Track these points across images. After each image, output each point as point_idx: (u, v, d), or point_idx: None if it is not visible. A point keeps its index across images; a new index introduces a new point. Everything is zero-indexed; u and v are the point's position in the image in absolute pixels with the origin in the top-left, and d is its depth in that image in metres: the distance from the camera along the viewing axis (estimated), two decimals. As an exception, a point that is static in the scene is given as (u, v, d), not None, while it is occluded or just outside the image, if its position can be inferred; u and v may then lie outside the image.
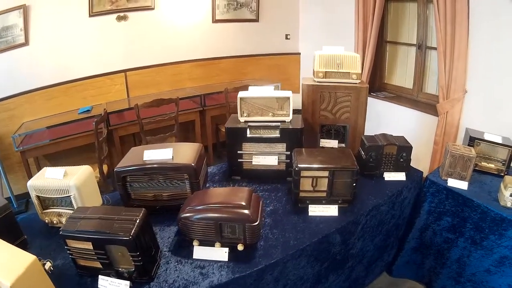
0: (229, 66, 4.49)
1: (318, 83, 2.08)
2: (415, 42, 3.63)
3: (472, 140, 2.13)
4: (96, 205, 1.57)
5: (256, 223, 1.33)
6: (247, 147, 1.93)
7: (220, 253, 1.35)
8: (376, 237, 1.99)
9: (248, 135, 1.89)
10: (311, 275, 1.65)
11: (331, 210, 1.68)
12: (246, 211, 1.33)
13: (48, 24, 3.32)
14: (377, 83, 4.12)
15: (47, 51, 3.38)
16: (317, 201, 1.70)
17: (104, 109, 3.31)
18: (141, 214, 1.18)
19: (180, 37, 4.05)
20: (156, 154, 1.57)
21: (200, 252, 1.36)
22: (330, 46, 2.15)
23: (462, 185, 1.98)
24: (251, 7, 4.37)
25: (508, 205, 1.81)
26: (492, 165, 2.15)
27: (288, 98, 1.90)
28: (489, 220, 1.82)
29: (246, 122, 1.93)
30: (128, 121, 3.49)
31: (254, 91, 1.94)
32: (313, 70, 2.10)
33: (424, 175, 2.16)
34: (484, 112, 3.00)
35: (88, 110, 3.63)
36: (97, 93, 3.74)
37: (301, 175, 1.65)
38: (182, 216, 1.35)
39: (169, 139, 3.31)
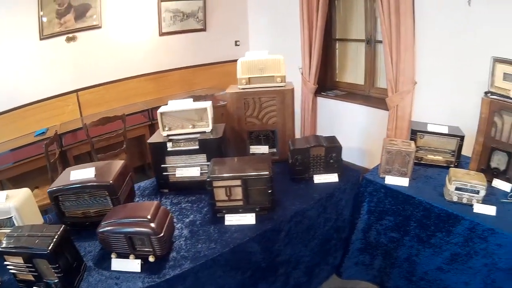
0: (180, 78, 4.47)
1: (241, 90, 2.06)
2: (364, 38, 3.63)
3: (414, 133, 2.07)
4: (37, 223, 1.65)
5: (161, 235, 1.38)
6: (170, 161, 1.92)
7: (133, 265, 1.41)
8: (310, 242, 1.95)
9: (169, 148, 1.88)
10: (234, 285, 1.62)
11: (248, 219, 1.65)
12: (151, 224, 1.38)
13: (0, 50, 3.31)
14: (329, 82, 4.11)
15: (0, 77, 3.37)
16: (234, 210, 1.67)
17: (56, 130, 3.28)
18: (59, 230, 1.29)
19: (128, 53, 4.03)
20: (81, 173, 1.65)
21: (117, 264, 1.43)
22: (254, 51, 2.14)
23: (403, 181, 1.94)
24: (197, 17, 4.36)
25: (454, 199, 1.77)
26: (439, 157, 2.10)
27: (206, 108, 1.88)
28: (434, 217, 1.78)
29: (168, 136, 1.91)
30: (80, 140, 3.48)
31: (172, 105, 1.93)
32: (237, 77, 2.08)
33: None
34: (436, 103, 2.98)
35: (43, 132, 3.61)
36: (51, 115, 3.71)
37: (214, 185, 1.62)
38: (99, 231, 1.42)
39: (120, 156, 3.28)
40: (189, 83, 4.55)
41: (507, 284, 1.61)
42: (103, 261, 1.47)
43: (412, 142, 1.95)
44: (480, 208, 1.71)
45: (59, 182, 1.66)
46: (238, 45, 4.83)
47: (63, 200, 1.64)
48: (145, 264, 1.42)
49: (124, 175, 1.78)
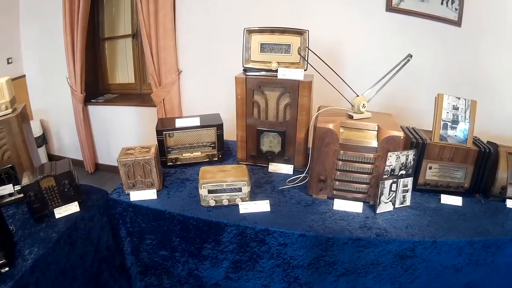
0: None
1: None
2: (131, 32, 3.35)
3: (160, 134, 1.76)
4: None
5: None
6: None
7: None
8: (73, 284, 1.53)
9: None
10: None
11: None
12: None
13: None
14: (101, 86, 3.72)
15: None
16: None
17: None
18: None
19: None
20: None
21: None
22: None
23: (150, 194, 1.66)
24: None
25: (212, 204, 1.54)
26: (198, 153, 1.84)
27: None
28: (194, 229, 1.55)
29: None
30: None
31: None
32: None
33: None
34: (205, 89, 2.87)
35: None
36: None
37: None
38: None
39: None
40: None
41: (313, 278, 1.55)
42: None
43: (153, 146, 1.66)
44: (248, 207, 1.54)
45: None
46: (11, 62, 3.69)
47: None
48: None
49: None
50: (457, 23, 2.41)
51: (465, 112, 1.69)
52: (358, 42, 2.56)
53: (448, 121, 1.67)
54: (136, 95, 3.49)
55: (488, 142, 1.80)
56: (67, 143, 3.70)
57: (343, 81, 1.55)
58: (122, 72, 3.61)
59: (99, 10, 3.38)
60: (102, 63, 3.61)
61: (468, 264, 1.65)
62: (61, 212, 1.58)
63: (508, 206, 1.79)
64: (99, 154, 3.59)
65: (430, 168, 1.67)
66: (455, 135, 1.67)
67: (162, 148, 1.73)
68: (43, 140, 3.58)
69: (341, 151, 1.49)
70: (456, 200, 1.70)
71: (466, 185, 1.72)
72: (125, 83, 3.60)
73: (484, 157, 1.68)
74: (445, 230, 1.56)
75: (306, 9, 2.51)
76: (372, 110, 1.73)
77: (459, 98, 1.68)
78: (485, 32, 2.45)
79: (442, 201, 1.69)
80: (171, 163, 1.77)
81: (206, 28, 2.70)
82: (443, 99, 1.66)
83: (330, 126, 1.47)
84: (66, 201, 1.57)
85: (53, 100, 3.48)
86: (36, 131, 3.42)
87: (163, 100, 2.89)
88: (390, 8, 2.42)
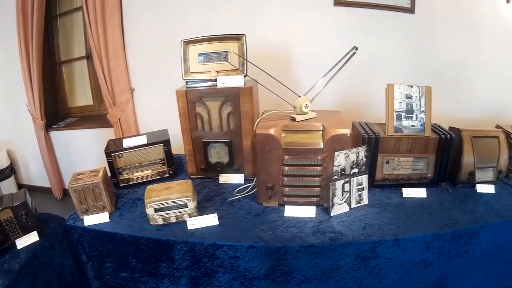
0: None
1: None
2: (85, 54, 3.32)
3: (109, 156, 1.73)
4: None
5: None
6: None
7: None
8: None
9: None
10: None
11: None
12: None
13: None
14: (61, 110, 3.66)
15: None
16: None
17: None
18: None
19: None
20: None
21: None
22: None
23: (103, 218, 1.63)
24: None
25: (160, 222, 1.50)
26: (149, 171, 1.81)
27: None
28: (146, 249, 1.52)
29: None
30: None
31: None
32: None
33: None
34: (159, 106, 2.83)
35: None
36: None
37: None
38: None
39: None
40: None
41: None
42: None
43: (101, 170, 1.64)
44: (196, 223, 1.50)
45: None
46: None
47: None
48: None
49: None
50: (410, 9, 2.31)
51: (419, 100, 1.60)
52: (309, 41, 2.49)
53: (402, 111, 1.59)
54: (96, 116, 3.46)
55: (450, 128, 1.71)
56: (35, 172, 3.67)
57: (280, 83, 1.49)
58: (81, 94, 3.58)
59: (53, 33, 3.35)
60: (60, 87, 3.56)
61: (439, 258, 1.57)
62: (22, 242, 1.57)
63: (478, 191, 1.71)
64: (66, 180, 3.52)
65: (388, 162, 1.59)
66: (411, 125, 1.59)
67: (113, 170, 1.70)
68: (11, 170, 3.54)
69: (286, 156, 1.43)
70: (420, 192, 1.62)
71: (429, 175, 1.64)
72: (84, 105, 3.57)
73: (446, 144, 1.60)
74: (408, 226, 1.49)
75: (255, 15, 2.45)
76: (324, 109, 1.66)
77: (411, 86, 1.60)
78: (439, 16, 2.35)
79: (404, 195, 1.62)
80: (123, 184, 1.74)
81: (154, 45, 2.68)
82: (393, 89, 1.58)
83: (271, 131, 1.41)
84: (26, 231, 1.56)
85: (18, 129, 3.45)
86: (4, 162, 3.41)
87: (119, 119, 2.87)
88: (337, 2, 2.33)
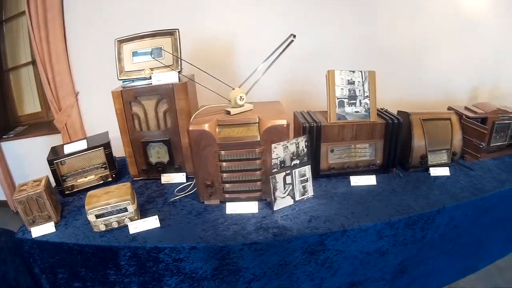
0: None
1: None
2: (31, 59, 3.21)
3: (51, 163, 1.68)
4: None
5: None
6: None
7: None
8: None
9: None
10: None
11: None
12: None
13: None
14: (11, 119, 3.54)
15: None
16: None
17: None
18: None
19: None
20: None
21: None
22: None
23: (50, 228, 1.58)
24: None
25: (102, 228, 1.47)
26: (92, 177, 1.75)
27: None
28: (92, 257, 1.48)
29: None
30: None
31: None
32: None
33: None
34: (106, 108, 2.75)
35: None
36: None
37: None
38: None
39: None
40: None
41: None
42: None
43: (44, 178, 1.58)
44: (138, 226, 1.46)
45: None
46: None
47: None
48: None
49: None
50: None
51: (363, 85, 1.56)
52: (249, 32, 2.44)
53: (344, 98, 1.54)
54: (45, 123, 3.37)
55: (398, 112, 1.67)
56: (-11, 186, 3.61)
57: (212, 76, 1.45)
58: (29, 101, 3.50)
59: (3, 40, 3.26)
60: (9, 95, 3.46)
61: (394, 246, 1.53)
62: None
63: (432, 174, 1.67)
64: (21, 192, 3.45)
65: (332, 151, 1.55)
66: (355, 111, 1.55)
67: (57, 177, 1.66)
68: (-33, 186, 3.47)
69: (222, 152, 1.39)
70: (368, 180, 1.58)
71: (378, 161, 1.60)
72: (33, 112, 3.49)
73: (394, 128, 1.55)
74: (357, 216, 1.44)
75: (195, 8, 2.42)
76: (267, 100, 1.62)
77: (353, 72, 1.55)
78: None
79: (352, 184, 1.58)
80: (68, 192, 1.70)
81: (97, 46, 2.64)
82: (334, 75, 1.53)
83: (205, 127, 1.37)
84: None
85: (-29, 144, 3.41)
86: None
87: (65, 125, 2.82)
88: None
